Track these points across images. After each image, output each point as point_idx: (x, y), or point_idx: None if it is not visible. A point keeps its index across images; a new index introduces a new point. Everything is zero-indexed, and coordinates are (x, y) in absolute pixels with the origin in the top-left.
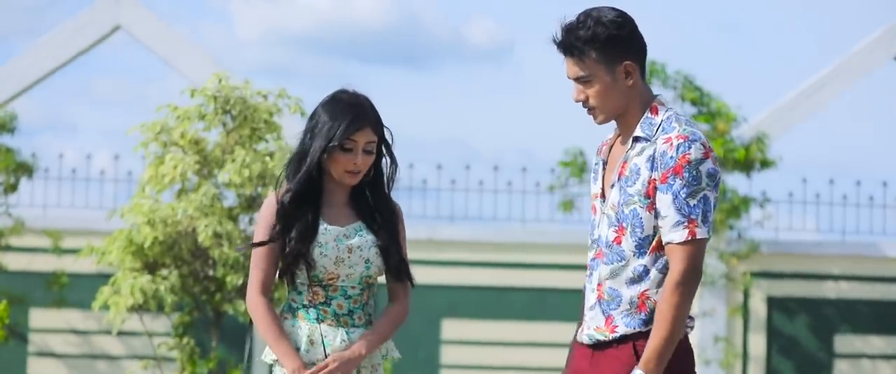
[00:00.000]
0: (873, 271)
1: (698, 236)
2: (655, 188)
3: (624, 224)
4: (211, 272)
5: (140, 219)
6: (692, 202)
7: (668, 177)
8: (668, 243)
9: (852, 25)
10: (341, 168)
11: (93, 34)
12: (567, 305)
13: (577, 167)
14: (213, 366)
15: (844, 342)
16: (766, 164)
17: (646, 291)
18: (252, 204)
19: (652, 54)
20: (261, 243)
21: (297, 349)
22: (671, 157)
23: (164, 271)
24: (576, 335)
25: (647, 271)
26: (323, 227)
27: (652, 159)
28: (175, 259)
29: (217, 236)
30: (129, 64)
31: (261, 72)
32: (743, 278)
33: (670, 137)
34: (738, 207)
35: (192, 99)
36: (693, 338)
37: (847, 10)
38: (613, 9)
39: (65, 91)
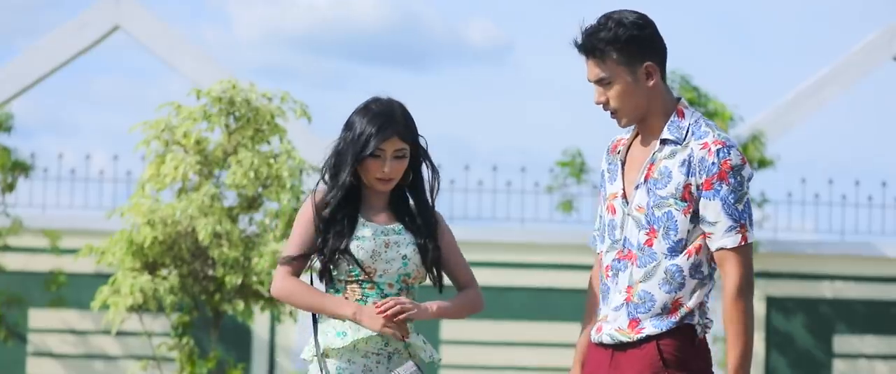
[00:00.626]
0: (872, 271)
1: (750, 241)
2: (691, 193)
3: (655, 227)
4: (210, 272)
5: (140, 219)
6: (740, 207)
7: (712, 183)
8: (721, 248)
9: (851, 26)
10: (371, 175)
11: (92, 34)
12: (566, 305)
13: (576, 168)
14: (212, 366)
15: (843, 342)
16: (763, 163)
17: (681, 298)
18: (252, 204)
19: None
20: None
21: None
22: (713, 162)
23: (164, 271)
24: (585, 335)
25: (681, 275)
26: (362, 224)
27: (687, 164)
28: (174, 259)
29: (217, 235)
30: (128, 64)
31: (259, 72)
32: None
33: (707, 143)
34: None
35: (198, 100)
36: None
37: (846, 10)
38: (634, 11)
39: (64, 91)
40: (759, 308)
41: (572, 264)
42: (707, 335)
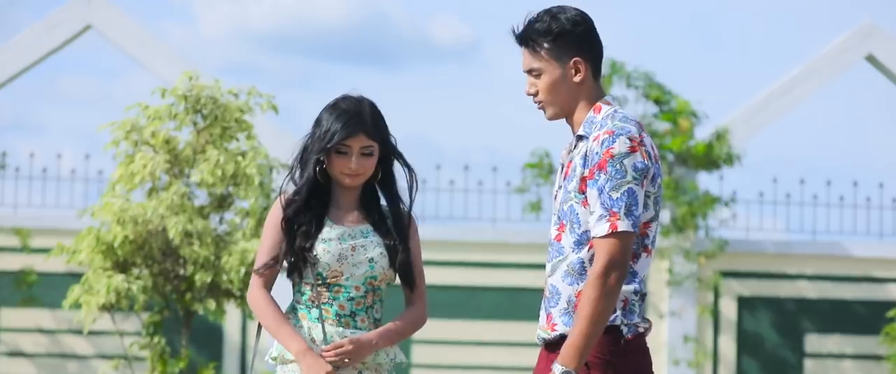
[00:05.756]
0: (842, 271)
1: (620, 229)
2: (585, 184)
3: (564, 221)
4: (181, 271)
5: (110, 218)
6: (615, 196)
7: (594, 172)
8: (593, 237)
9: (824, 25)
10: (338, 171)
11: (64, 33)
12: (537, 304)
13: (544, 169)
14: (184, 366)
15: (814, 342)
16: (729, 160)
17: (582, 291)
18: (223, 203)
19: (622, 54)
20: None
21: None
22: (597, 152)
23: (135, 271)
24: None
25: (581, 266)
26: (328, 225)
27: (584, 156)
28: (145, 258)
29: (187, 234)
30: (97, 63)
31: (226, 70)
32: (713, 278)
33: (599, 135)
34: (704, 205)
35: (163, 99)
36: (662, 337)
37: (819, 10)
38: (575, 8)
39: (32, 90)
40: (731, 309)
41: (543, 264)
42: (644, 337)
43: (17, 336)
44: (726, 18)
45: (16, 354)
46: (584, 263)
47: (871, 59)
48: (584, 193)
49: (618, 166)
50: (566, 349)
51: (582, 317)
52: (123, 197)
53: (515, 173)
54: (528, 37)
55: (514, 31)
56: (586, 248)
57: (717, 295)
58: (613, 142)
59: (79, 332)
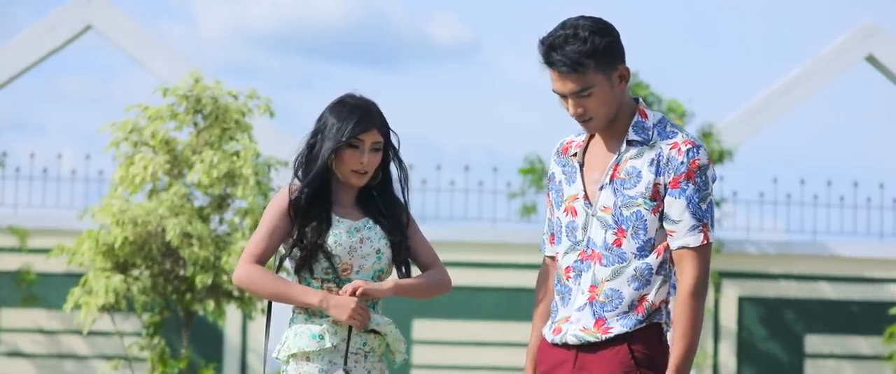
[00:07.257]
0: (842, 271)
1: (710, 240)
2: (659, 192)
3: (624, 227)
4: (181, 272)
5: (110, 219)
6: (704, 207)
7: (679, 182)
8: (683, 247)
9: (824, 25)
10: (347, 167)
11: (64, 33)
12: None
13: (537, 174)
14: (184, 366)
15: (814, 343)
16: (721, 157)
17: (647, 294)
18: (221, 204)
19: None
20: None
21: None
22: (682, 162)
23: (135, 272)
24: (536, 337)
25: (651, 273)
26: (336, 219)
27: (656, 163)
28: (145, 259)
29: (187, 235)
30: (97, 63)
31: (225, 70)
32: (712, 278)
33: (677, 143)
34: None
35: (165, 98)
36: None
37: (819, 10)
38: (585, 17)
39: (32, 90)
40: (730, 309)
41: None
42: (667, 335)
43: (16, 336)
44: (726, 19)
45: (15, 354)
46: (651, 268)
47: (871, 59)
48: (655, 200)
49: (704, 178)
50: (679, 363)
51: (688, 330)
52: (123, 198)
53: (515, 174)
54: (575, 61)
55: (549, 63)
56: (654, 254)
57: (717, 295)
58: (698, 153)
59: (78, 332)
